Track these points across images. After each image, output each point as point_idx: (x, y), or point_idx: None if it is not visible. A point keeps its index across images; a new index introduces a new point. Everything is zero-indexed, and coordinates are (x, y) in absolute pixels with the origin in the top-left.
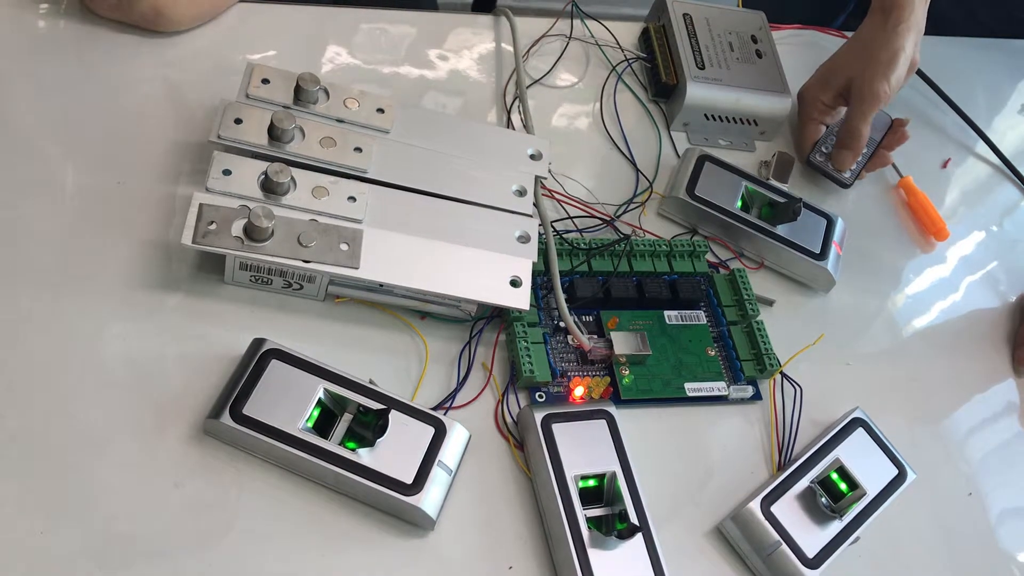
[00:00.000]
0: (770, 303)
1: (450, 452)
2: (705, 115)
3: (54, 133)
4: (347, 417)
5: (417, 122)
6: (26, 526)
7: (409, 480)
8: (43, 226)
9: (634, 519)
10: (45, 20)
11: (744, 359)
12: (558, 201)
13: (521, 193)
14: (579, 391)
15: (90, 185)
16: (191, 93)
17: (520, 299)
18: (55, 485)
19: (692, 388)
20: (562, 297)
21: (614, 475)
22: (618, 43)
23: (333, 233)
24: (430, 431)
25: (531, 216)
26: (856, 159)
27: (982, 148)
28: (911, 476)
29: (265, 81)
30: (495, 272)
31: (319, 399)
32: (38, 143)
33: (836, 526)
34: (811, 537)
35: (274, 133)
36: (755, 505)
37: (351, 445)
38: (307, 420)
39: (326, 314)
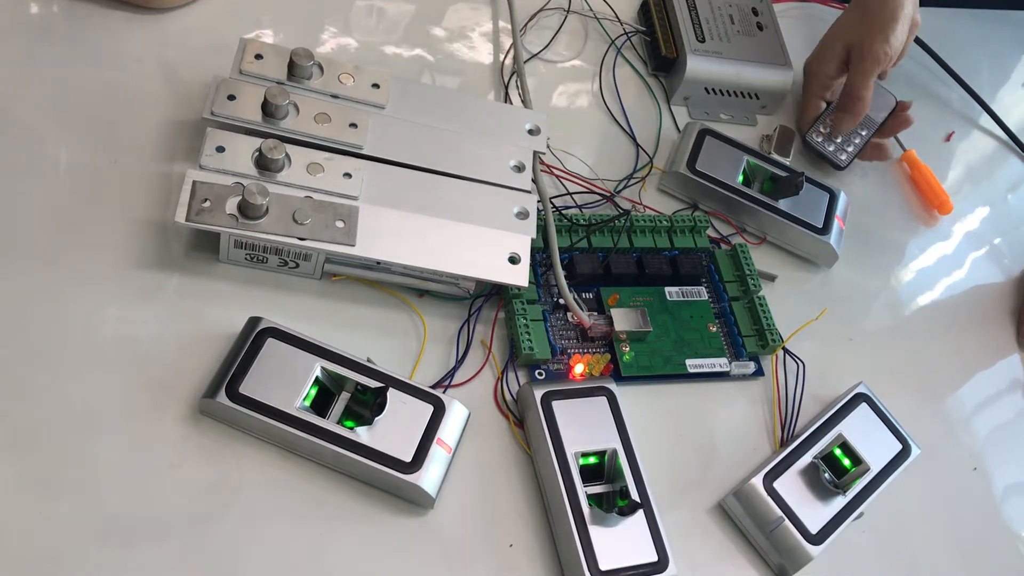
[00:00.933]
0: (772, 278)
1: (449, 430)
2: (706, 89)
3: (47, 111)
4: (345, 396)
5: (413, 97)
6: (22, 506)
7: (408, 458)
8: (37, 205)
9: (635, 496)
10: None
11: (746, 335)
12: (557, 177)
13: (519, 169)
14: (579, 368)
15: (84, 163)
16: (184, 71)
17: (519, 276)
18: (51, 465)
19: (693, 364)
20: (561, 274)
21: (615, 452)
22: (617, 16)
23: (329, 210)
24: (429, 409)
25: (530, 192)
26: (856, 123)
27: (986, 121)
28: (915, 451)
29: (258, 57)
30: (493, 249)
31: (316, 377)
32: (31, 121)
33: (839, 502)
34: (814, 513)
35: (268, 109)
36: (757, 481)
37: (349, 424)
38: (304, 399)
39: (322, 292)
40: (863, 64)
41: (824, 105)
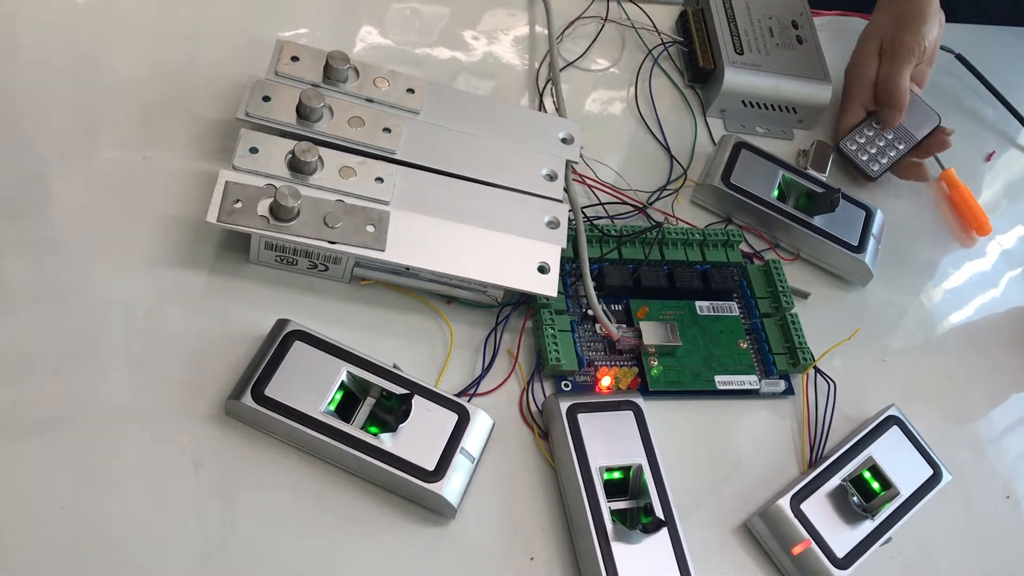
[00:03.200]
0: (805, 296)
1: (473, 439)
2: (743, 101)
3: (80, 106)
4: (370, 401)
5: (447, 103)
6: (46, 501)
7: (431, 467)
8: (68, 200)
9: (659, 513)
10: None
11: (777, 353)
12: (589, 187)
13: (551, 177)
14: (606, 381)
15: (117, 159)
16: (219, 69)
17: (548, 286)
18: (74, 459)
19: (722, 381)
20: (591, 285)
21: (640, 468)
22: (655, 26)
23: (360, 214)
24: (453, 418)
25: (561, 201)
26: (902, 115)
27: None
28: (946, 477)
29: (295, 58)
30: (523, 258)
31: (342, 382)
32: (64, 116)
33: (867, 526)
34: (841, 537)
35: (302, 112)
36: (784, 502)
37: (373, 430)
38: (329, 403)
39: (351, 296)
40: (897, 58)
41: (864, 114)
